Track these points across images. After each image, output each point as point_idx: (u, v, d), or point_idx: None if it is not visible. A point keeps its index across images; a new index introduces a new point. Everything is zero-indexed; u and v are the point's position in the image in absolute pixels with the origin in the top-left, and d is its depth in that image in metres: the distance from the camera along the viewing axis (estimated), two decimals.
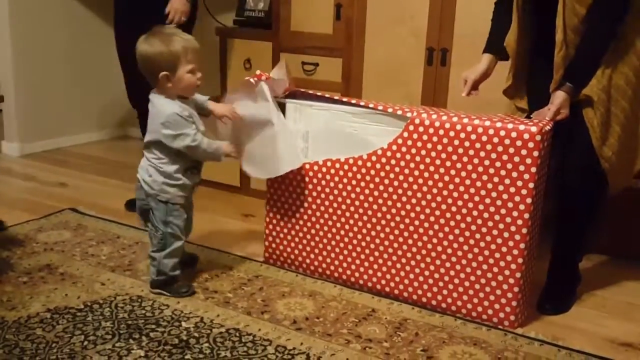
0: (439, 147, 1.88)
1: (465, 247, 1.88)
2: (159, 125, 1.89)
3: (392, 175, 1.97)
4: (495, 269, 1.85)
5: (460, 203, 1.87)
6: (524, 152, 1.76)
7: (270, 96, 2.04)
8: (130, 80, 2.66)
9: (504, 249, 1.83)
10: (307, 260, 2.18)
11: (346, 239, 2.09)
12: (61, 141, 3.77)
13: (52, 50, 3.65)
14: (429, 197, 1.92)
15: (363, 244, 2.06)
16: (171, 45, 1.87)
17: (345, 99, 2.06)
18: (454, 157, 1.86)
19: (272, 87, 2.05)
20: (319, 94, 2.11)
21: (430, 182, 1.91)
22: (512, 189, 1.79)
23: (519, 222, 1.80)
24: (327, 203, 2.10)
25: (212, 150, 1.98)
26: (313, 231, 2.15)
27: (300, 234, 2.18)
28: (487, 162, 1.81)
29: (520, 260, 1.82)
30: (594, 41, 1.80)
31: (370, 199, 2.02)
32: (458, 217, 1.88)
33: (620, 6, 1.78)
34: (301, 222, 2.17)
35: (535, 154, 1.75)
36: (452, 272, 1.92)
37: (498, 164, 1.80)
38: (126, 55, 2.46)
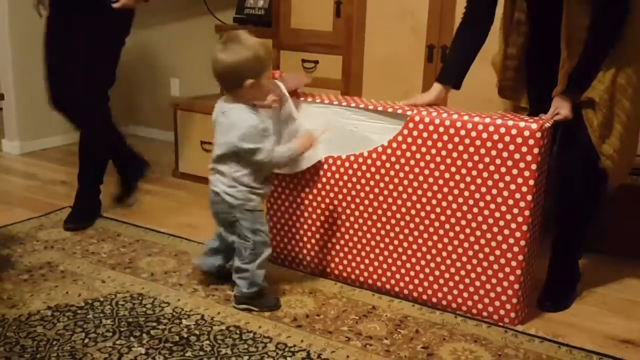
0: (439, 145, 1.88)
1: (466, 245, 1.88)
2: (236, 138, 1.80)
3: (392, 173, 1.97)
4: (496, 266, 1.85)
5: (460, 200, 1.87)
6: (524, 149, 1.76)
7: (286, 92, 2.04)
8: (56, 81, 2.41)
9: (505, 246, 1.83)
10: (308, 258, 2.18)
11: (346, 236, 2.09)
12: (61, 139, 3.77)
13: None
14: (429, 194, 1.92)
15: (364, 241, 2.06)
16: (255, 50, 1.78)
17: (344, 103, 2.05)
18: (454, 155, 1.86)
19: (286, 83, 2.05)
20: (317, 100, 2.10)
21: (430, 180, 1.91)
22: (513, 186, 1.79)
23: (520, 219, 1.80)
24: (327, 200, 2.10)
25: (287, 157, 1.90)
26: (314, 228, 2.15)
27: (301, 232, 2.18)
28: (487, 160, 1.81)
29: (520, 258, 1.82)
30: (598, 49, 1.81)
31: (371, 196, 2.02)
32: (458, 214, 1.88)
33: (622, 14, 1.78)
34: (302, 220, 2.17)
35: (536, 150, 1.75)
36: (452, 269, 1.92)
37: (498, 161, 1.80)
38: (54, 54, 2.38)
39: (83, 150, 2.59)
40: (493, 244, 1.84)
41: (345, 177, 2.05)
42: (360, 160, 2.02)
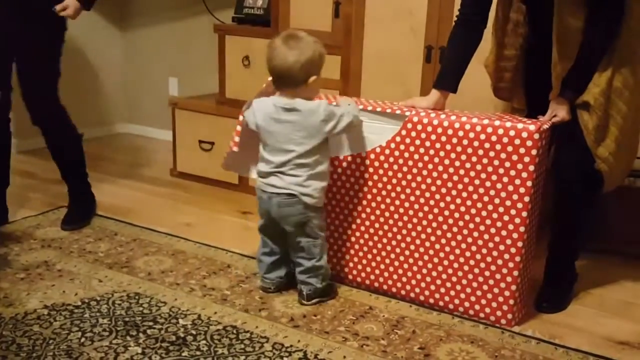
0: (437, 146, 1.88)
1: (463, 245, 1.88)
2: (320, 123, 1.84)
3: (390, 173, 1.97)
4: (493, 267, 1.85)
5: (458, 201, 1.87)
6: (522, 150, 1.76)
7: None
8: (32, 94, 2.38)
9: (502, 247, 1.83)
10: None
11: (344, 237, 2.09)
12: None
13: None
14: (427, 195, 1.91)
15: (361, 241, 2.06)
16: (319, 48, 1.85)
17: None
18: (452, 156, 1.86)
19: None
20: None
21: (428, 181, 1.91)
22: (510, 187, 1.79)
23: (517, 220, 1.80)
24: (325, 201, 2.10)
25: (356, 108, 1.94)
26: None
27: None
28: (485, 161, 1.81)
29: (517, 259, 1.82)
30: (594, 51, 1.81)
31: (369, 196, 2.02)
32: (456, 215, 1.88)
33: (617, 13, 1.78)
34: None
35: (534, 152, 1.75)
36: (449, 270, 1.92)
37: (496, 162, 1.80)
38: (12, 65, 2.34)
39: (58, 155, 2.55)
40: (490, 245, 1.84)
41: (343, 178, 2.05)
42: (358, 160, 2.01)
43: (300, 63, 1.81)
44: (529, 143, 1.75)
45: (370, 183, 2.01)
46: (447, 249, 1.91)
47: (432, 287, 1.96)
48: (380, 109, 1.97)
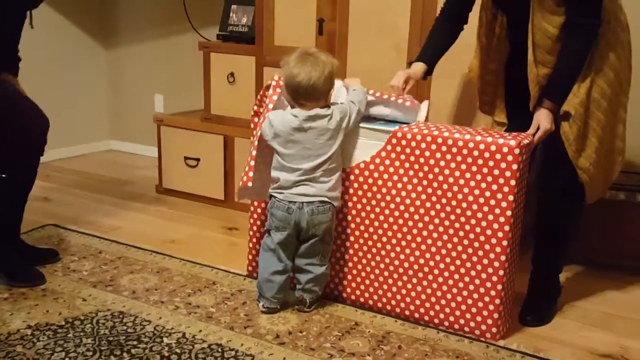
0: (421, 160, 1.89)
1: (447, 260, 1.89)
2: (338, 123, 1.93)
3: (374, 189, 1.98)
4: (477, 281, 1.86)
5: (442, 215, 1.88)
6: (503, 165, 1.78)
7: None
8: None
9: (485, 261, 1.84)
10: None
11: None
12: (44, 155, 3.74)
13: (36, 66, 3.63)
14: (411, 209, 1.93)
15: (346, 256, 2.07)
16: (333, 61, 1.94)
17: None
18: (436, 170, 1.88)
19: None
20: None
21: (412, 195, 1.92)
22: (492, 202, 1.81)
23: (499, 234, 1.81)
24: None
25: (363, 90, 2.03)
26: None
27: None
28: (467, 175, 1.83)
29: (501, 273, 1.83)
30: (570, 58, 1.83)
31: (353, 212, 2.03)
32: (440, 229, 1.89)
33: (594, 21, 1.81)
34: None
35: (514, 167, 1.77)
36: (434, 285, 1.93)
37: (478, 176, 1.82)
38: None
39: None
40: (474, 259, 1.86)
41: None
42: (343, 175, 2.03)
43: (324, 78, 1.90)
44: (510, 158, 1.77)
45: (355, 198, 2.02)
46: (431, 263, 1.92)
47: (417, 302, 1.96)
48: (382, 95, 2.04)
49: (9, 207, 2.20)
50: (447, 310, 1.92)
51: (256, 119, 2.15)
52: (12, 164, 2.14)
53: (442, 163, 1.86)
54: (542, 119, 1.84)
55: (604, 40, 1.84)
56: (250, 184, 2.01)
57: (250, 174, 2.01)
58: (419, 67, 2.11)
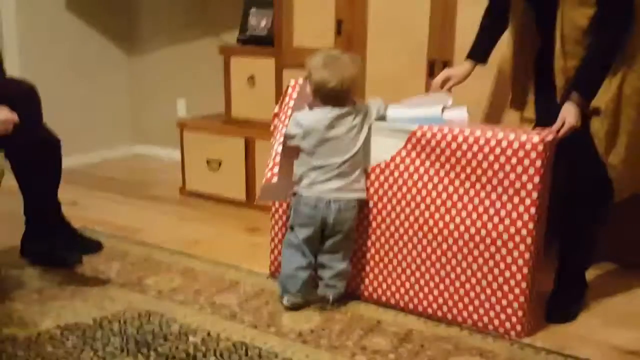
0: (442, 159, 1.89)
1: (470, 258, 1.89)
2: (364, 116, 2.00)
3: (395, 188, 1.99)
4: (501, 279, 1.85)
5: (464, 214, 1.88)
6: (526, 162, 1.77)
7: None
8: None
9: (509, 259, 1.83)
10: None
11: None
12: (70, 160, 3.81)
13: (61, 73, 3.71)
14: (432, 208, 1.93)
15: (368, 255, 2.08)
16: (357, 61, 2.02)
17: None
18: (457, 169, 1.87)
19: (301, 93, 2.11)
20: None
21: (433, 194, 1.92)
22: (516, 199, 1.80)
23: (524, 232, 1.80)
24: None
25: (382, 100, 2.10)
26: None
27: None
28: (490, 173, 1.83)
29: (525, 270, 1.82)
30: (601, 52, 1.81)
31: (375, 211, 2.04)
32: (462, 228, 1.89)
33: (625, 16, 1.78)
34: None
35: (538, 163, 1.76)
36: (457, 283, 1.92)
37: (501, 174, 1.81)
38: None
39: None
40: (498, 257, 1.85)
41: None
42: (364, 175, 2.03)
43: (352, 78, 1.96)
44: (533, 155, 1.76)
45: (375, 197, 2.03)
46: (454, 261, 1.91)
47: (441, 300, 1.96)
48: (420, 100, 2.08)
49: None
50: (471, 308, 1.91)
51: (276, 121, 2.18)
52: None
53: (463, 162, 1.86)
54: (568, 115, 1.81)
55: (636, 35, 1.82)
56: (275, 179, 2.04)
57: (275, 169, 2.04)
58: (464, 66, 2.12)
